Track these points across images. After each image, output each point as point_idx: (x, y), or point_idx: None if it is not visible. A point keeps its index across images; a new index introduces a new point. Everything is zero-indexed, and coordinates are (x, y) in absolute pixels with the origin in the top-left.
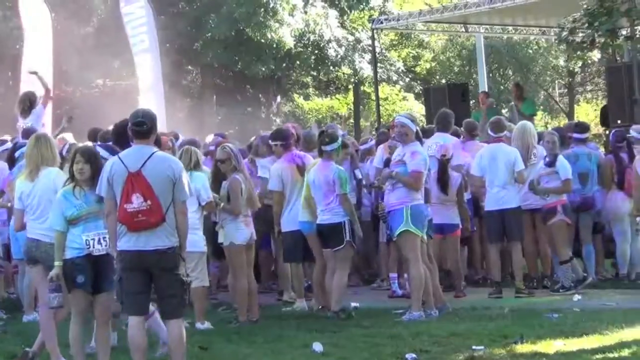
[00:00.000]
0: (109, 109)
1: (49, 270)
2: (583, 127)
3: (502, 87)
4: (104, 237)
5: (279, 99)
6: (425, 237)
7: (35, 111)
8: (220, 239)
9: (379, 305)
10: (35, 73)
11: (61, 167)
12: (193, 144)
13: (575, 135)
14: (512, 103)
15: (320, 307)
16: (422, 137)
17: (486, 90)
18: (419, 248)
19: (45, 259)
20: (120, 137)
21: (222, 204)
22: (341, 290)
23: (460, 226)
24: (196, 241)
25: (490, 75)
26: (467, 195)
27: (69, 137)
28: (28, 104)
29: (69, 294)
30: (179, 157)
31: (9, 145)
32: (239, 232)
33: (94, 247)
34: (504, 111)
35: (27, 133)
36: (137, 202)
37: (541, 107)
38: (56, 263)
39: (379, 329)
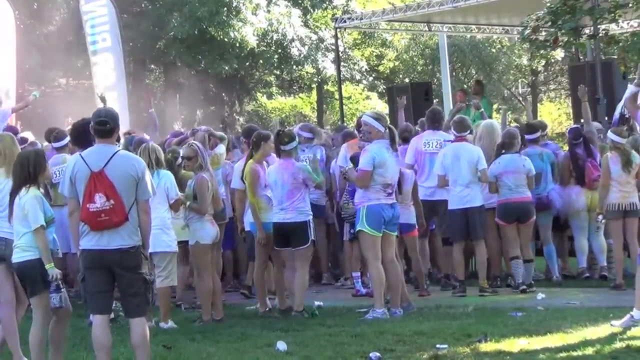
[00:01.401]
0: (71, 108)
1: (13, 268)
2: (532, 128)
3: (465, 86)
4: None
5: (242, 98)
6: (392, 236)
7: (1, 112)
8: (184, 238)
9: (342, 304)
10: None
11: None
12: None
13: (527, 136)
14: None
15: (266, 309)
16: (409, 135)
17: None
18: (377, 247)
19: (11, 257)
20: (79, 137)
21: (188, 203)
22: (304, 290)
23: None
24: (168, 241)
25: (454, 74)
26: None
27: (29, 135)
28: None
29: (35, 295)
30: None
31: None
32: (205, 231)
33: (57, 249)
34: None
35: None
36: (100, 201)
37: (504, 106)
38: (49, 265)
39: (343, 328)
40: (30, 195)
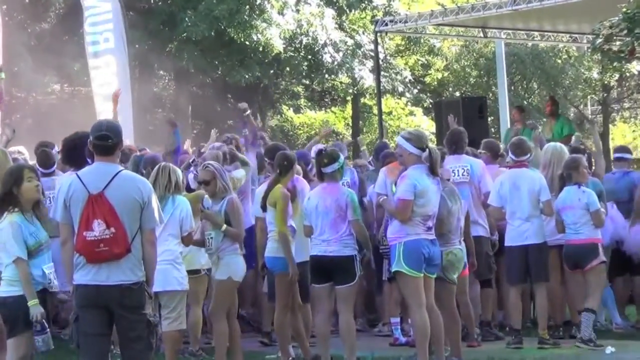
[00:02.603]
0: (67, 119)
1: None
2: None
3: (525, 102)
4: (54, 272)
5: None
6: (431, 279)
7: None
8: (210, 272)
9: (378, 355)
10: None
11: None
12: (156, 161)
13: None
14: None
15: (289, 358)
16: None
17: (519, 105)
18: (419, 291)
19: None
20: (72, 154)
21: (224, 226)
22: (351, 335)
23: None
24: (179, 278)
25: (512, 87)
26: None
27: (23, 150)
28: None
29: (13, 336)
30: (154, 177)
31: None
32: (239, 265)
33: (53, 283)
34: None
35: None
36: (98, 229)
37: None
38: (31, 302)
39: None
40: (5, 222)
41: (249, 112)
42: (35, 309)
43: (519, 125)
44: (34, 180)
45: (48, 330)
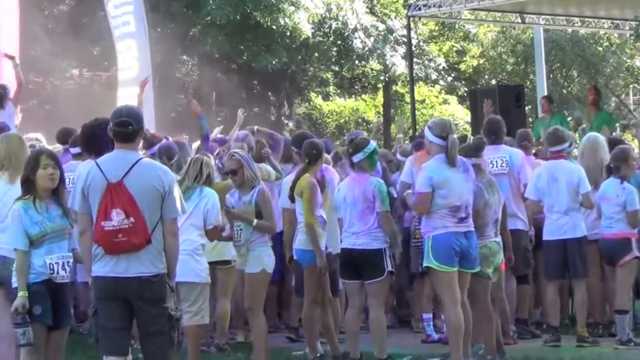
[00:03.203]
0: (87, 105)
1: (11, 294)
2: None
3: (564, 91)
4: (68, 262)
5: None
6: (466, 274)
7: (6, 110)
8: (241, 265)
9: (410, 352)
10: (12, 58)
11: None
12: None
13: None
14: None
15: (317, 354)
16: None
17: (547, 95)
18: (453, 286)
19: (11, 280)
20: (91, 142)
21: (255, 222)
22: (381, 333)
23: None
24: (198, 269)
25: (551, 76)
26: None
27: (40, 137)
28: None
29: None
30: (186, 167)
31: None
32: (271, 257)
33: (57, 273)
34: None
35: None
36: (117, 219)
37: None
38: (20, 293)
39: None
40: (11, 210)
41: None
42: (20, 299)
43: (548, 116)
44: (49, 167)
45: (29, 323)
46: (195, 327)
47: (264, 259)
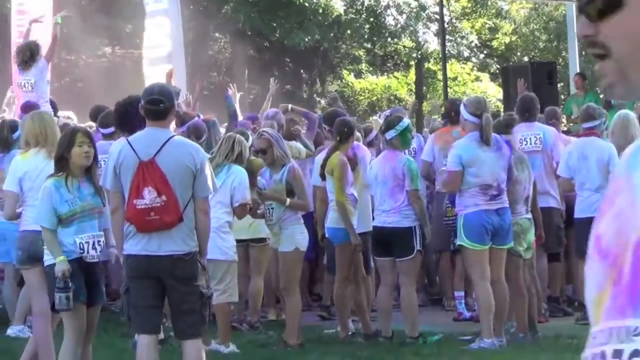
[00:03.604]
0: (119, 83)
1: (48, 273)
2: None
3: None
4: (98, 242)
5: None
6: (500, 251)
7: (38, 65)
8: (274, 244)
9: (441, 330)
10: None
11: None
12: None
13: None
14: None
15: (349, 333)
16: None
17: (580, 72)
18: (483, 264)
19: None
20: (124, 120)
21: (288, 201)
22: (412, 311)
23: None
24: (224, 247)
25: (583, 53)
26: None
27: (71, 115)
28: (28, 54)
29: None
30: (218, 145)
31: None
32: (304, 235)
33: (87, 253)
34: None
35: (28, 108)
36: (149, 197)
37: None
38: (59, 258)
39: (440, 358)
40: (43, 187)
41: (290, 106)
42: (61, 265)
43: (581, 93)
44: (84, 145)
45: (71, 289)
46: (224, 305)
47: (296, 238)
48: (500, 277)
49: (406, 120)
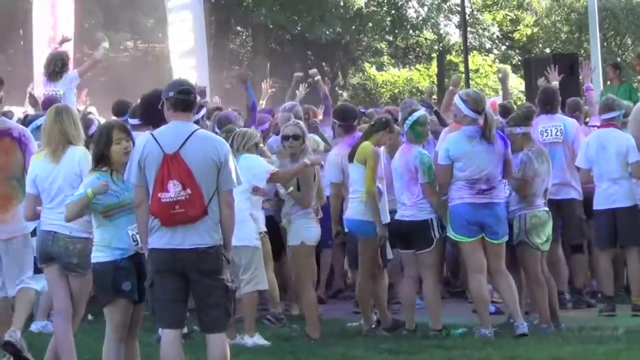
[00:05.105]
0: (142, 76)
1: (65, 269)
2: None
3: (619, 59)
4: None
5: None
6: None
7: (68, 76)
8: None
9: (464, 323)
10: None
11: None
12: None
13: None
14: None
15: (372, 325)
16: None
17: (615, 62)
18: (472, 255)
19: (63, 255)
20: (150, 113)
21: (290, 189)
22: (434, 304)
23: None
24: (246, 234)
25: (605, 44)
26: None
27: (94, 110)
28: (60, 65)
29: (106, 306)
30: (231, 140)
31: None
32: (311, 230)
33: (139, 244)
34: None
35: (49, 102)
36: (174, 190)
37: None
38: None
39: (465, 351)
40: (86, 181)
41: (318, 77)
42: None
43: (616, 83)
44: (122, 141)
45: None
46: (250, 295)
47: (302, 232)
48: (499, 267)
49: (416, 114)
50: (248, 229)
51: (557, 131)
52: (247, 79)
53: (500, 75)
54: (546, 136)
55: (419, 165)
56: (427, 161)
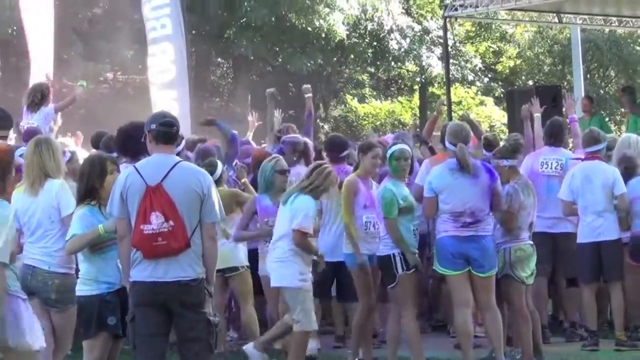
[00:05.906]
0: (121, 108)
1: (45, 304)
2: None
3: (602, 92)
4: None
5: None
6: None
7: (44, 110)
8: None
9: (444, 356)
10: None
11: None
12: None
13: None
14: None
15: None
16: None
17: (588, 94)
18: (457, 289)
19: (42, 290)
20: (127, 145)
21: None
22: (416, 338)
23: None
24: (287, 275)
25: (588, 76)
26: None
27: (70, 142)
28: (39, 97)
29: (88, 339)
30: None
31: None
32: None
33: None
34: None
35: (30, 134)
36: (156, 222)
37: None
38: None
39: None
40: (76, 214)
41: (309, 94)
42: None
43: (587, 117)
44: (115, 172)
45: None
46: (297, 335)
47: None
48: (489, 302)
49: (393, 148)
50: (286, 269)
51: (557, 165)
52: (212, 122)
53: (460, 119)
54: (546, 168)
55: (380, 199)
56: (388, 196)
